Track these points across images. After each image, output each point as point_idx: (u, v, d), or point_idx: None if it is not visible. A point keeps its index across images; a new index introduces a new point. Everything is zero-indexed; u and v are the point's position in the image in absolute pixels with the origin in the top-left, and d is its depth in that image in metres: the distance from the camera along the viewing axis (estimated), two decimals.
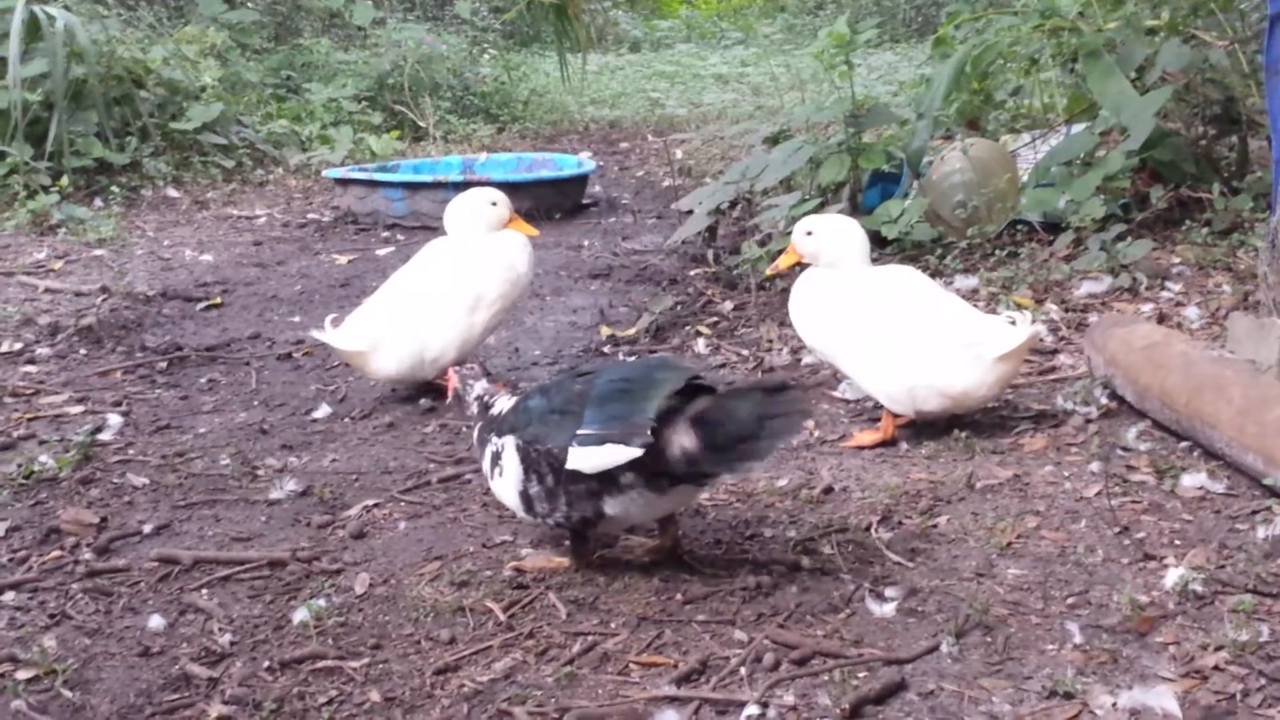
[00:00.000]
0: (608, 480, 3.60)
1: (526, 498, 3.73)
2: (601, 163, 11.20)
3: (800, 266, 4.84)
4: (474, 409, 4.06)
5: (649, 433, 3.51)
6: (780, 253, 5.16)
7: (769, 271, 5.25)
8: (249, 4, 14.19)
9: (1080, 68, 7.35)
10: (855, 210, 6.94)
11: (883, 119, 7.36)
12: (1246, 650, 3.14)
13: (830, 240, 4.71)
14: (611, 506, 3.64)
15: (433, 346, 5.26)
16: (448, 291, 5.29)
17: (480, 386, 4.04)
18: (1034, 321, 4.63)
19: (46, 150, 9.48)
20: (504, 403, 3.92)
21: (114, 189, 9.50)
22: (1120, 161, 6.59)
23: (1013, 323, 4.58)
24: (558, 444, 3.63)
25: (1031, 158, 7.46)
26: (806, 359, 5.58)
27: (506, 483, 3.77)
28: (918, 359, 4.54)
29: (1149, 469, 4.23)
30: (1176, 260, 6.26)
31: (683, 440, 3.55)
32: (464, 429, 4.38)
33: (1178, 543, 3.75)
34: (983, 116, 8.19)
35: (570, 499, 3.66)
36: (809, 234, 4.73)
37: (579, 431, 3.60)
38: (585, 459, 3.58)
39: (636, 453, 3.52)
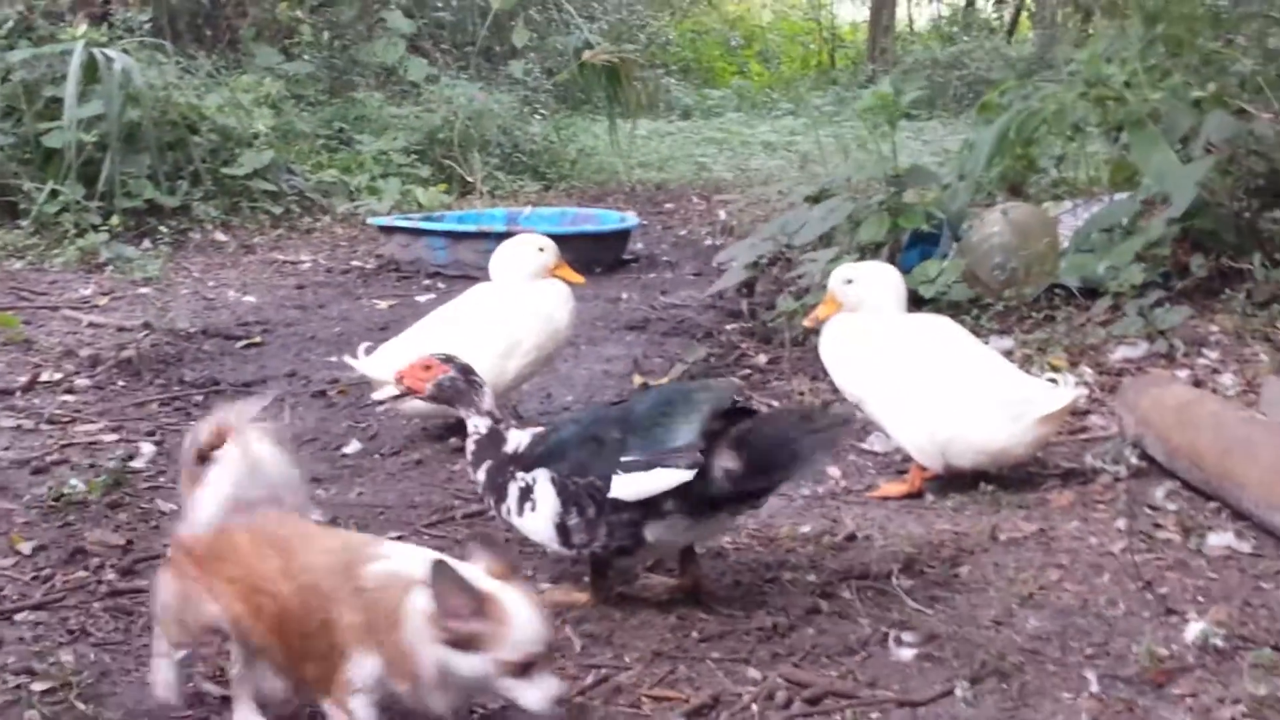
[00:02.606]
0: (651, 506, 3.58)
1: (564, 530, 3.68)
2: (645, 222, 11.24)
3: None
4: (481, 427, 3.87)
5: (698, 454, 3.52)
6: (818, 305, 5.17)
7: (806, 323, 5.24)
8: (305, 57, 14.39)
9: (1125, 136, 7.36)
10: None
11: (923, 179, 7.38)
12: (1265, 704, 3.10)
13: (870, 288, 4.72)
14: (652, 533, 3.62)
15: None
16: (484, 333, 5.31)
17: (489, 400, 3.88)
18: (1077, 384, 4.63)
19: (98, 190, 9.61)
20: (519, 436, 3.85)
21: (163, 230, 9.63)
22: (1161, 229, 6.58)
23: (1054, 383, 4.58)
24: (600, 473, 3.60)
25: (1074, 224, 7.45)
26: (836, 410, 5.57)
27: (540, 517, 3.72)
28: (955, 413, 4.53)
29: (1176, 527, 4.19)
30: (1215, 329, 6.22)
31: (725, 462, 3.56)
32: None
33: (1201, 599, 3.72)
34: (1026, 182, 8.19)
35: (611, 528, 3.63)
36: (848, 282, 4.75)
37: (623, 459, 3.58)
38: (631, 486, 3.56)
39: (687, 475, 3.51)
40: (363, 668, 2.78)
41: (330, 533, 3.22)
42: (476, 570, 2.74)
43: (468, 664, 2.67)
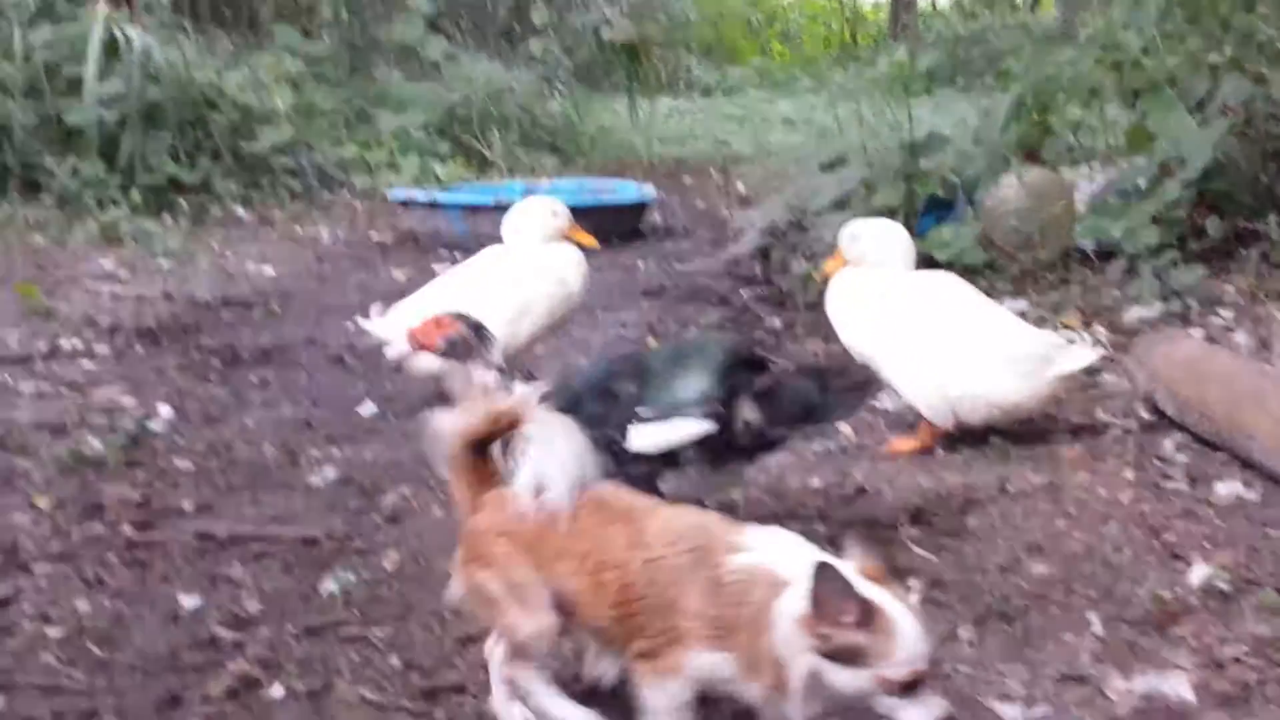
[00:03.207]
0: (668, 458, 3.59)
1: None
2: (664, 196, 11.25)
3: None
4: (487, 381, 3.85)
5: (718, 405, 3.55)
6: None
7: (816, 277, 5.29)
8: (325, 36, 14.42)
9: (1141, 102, 7.35)
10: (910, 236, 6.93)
11: (939, 146, 7.37)
12: (1267, 645, 3.12)
13: (876, 243, 4.74)
14: (667, 485, 3.63)
15: None
16: (495, 296, 5.33)
17: (499, 356, 3.90)
18: (1095, 344, 4.64)
19: (119, 167, 9.68)
20: (524, 391, 3.86)
21: (183, 205, 9.67)
22: (1177, 191, 6.57)
23: (1070, 341, 4.60)
24: (616, 426, 3.60)
25: (1090, 190, 7.44)
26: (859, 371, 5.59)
27: None
28: (966, 370, 4.54)
29: (1184, 477, 4.21)
30: (1229, 289, 6.23)
31: (747, 414, 3.59)
32: None
33: (1207, 545, 3.73)
34: (1042, 148, 8.16)
35: (628, 480, 3.64)
36: (855, 237, 4.77)
37: (641, 411, 3.60)
38: (649, 438, 3.58)
39: (707, 426, 3.54)
40: (702, 660, 2.52)
41: (681, 509, 2.84)
42: (853, 571, 2.42)
43: (846, 678, 2.37)
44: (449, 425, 2.89)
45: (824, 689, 2.41)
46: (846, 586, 2.35)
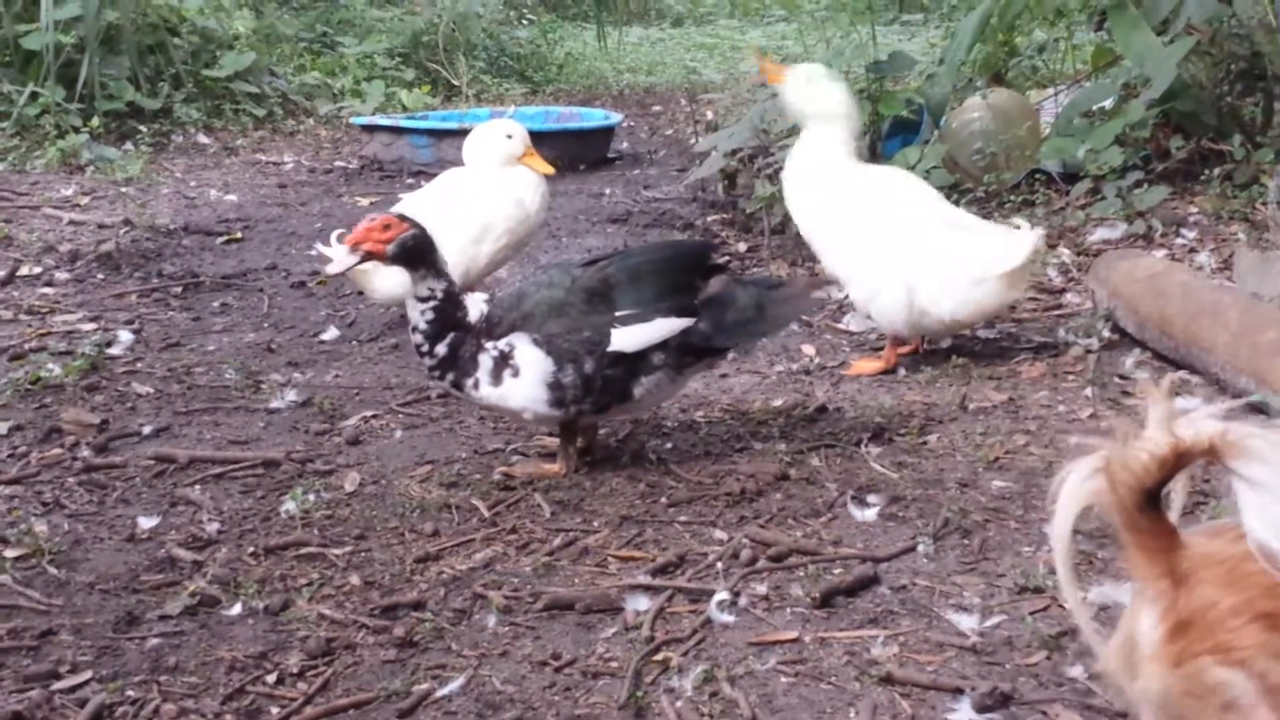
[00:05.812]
0: (641, 361, 3.72)
1: (558, 387, 3.69)
2: (632, 124, 11.19)
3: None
4: (438, 290, 3.70)
5: (694, 301, 3.76)
6: None
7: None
8: None
9: (1108, 22, 7.30)
10: (875, 158, 6.91)
11: (902, 65, 7.33)
12: None
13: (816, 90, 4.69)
14: (639, 389, 3.76)
15: None
16: (455, 220, 5.29)
17: (445, 261, 3.76)
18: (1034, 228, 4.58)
19: (78, 92, 9.55)
20: (475, 304, 3.80)
21: (144, 132, 9.55)
22: (1141, 111, 6.54)
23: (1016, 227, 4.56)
24: (596, 329, 3.70)
25: (1056, 112, 7.42)
26: (813, 294, 5.58)
27: (526, 381, 3.69)
28: (934, 283, 4.48)
29: (1143, 394, 4.21)
30: (1193, 210, 6.23)
31: (709, 315, 3.80)
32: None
33: None
34: (1007, 69, 8.12)
35: (605, 383, 3.72)
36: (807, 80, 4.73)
37: (619, 313, 3.71)
38: (631, 338, 3.70)
39: (686, 322, 3.73)
40: None
41: None
42: None
43: None
44: (1111, 470, 2.09)
45: None
46: None
